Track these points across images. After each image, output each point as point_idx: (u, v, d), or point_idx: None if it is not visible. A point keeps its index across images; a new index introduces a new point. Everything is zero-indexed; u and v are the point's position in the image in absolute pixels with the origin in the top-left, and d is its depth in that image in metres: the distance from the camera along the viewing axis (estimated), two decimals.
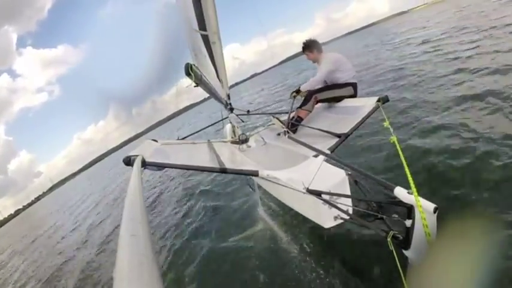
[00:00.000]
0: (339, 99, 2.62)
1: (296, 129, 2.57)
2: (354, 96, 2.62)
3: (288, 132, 2.50)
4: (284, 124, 2.61)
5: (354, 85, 2.62)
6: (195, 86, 2.76)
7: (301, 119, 2.59)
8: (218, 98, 3.21)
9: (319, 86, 2.67)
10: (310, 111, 2.62)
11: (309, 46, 2.73)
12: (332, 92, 2.61)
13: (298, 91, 2.73)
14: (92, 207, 9.76)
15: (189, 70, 2.48)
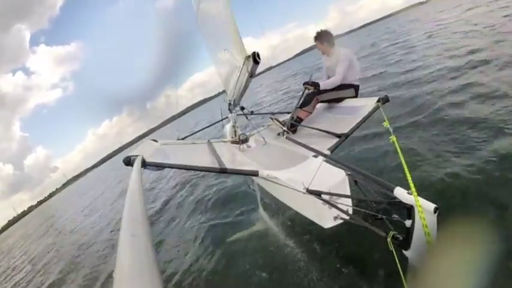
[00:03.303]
0: (339, 100, 2.62)
1: (296, 129, 2.56)
2: (354, 97, 2.62)
3: (287, 133, 2.49)
4: (282, 124, 2.59)
5: (356, 87, 2.62)
6: (250, 77, 2.48)
7: (301, 120, 2.59)
8: (242, 94, 3.00)
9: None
10: (311, 113, 2.60)
11: (319, 37, 2.66)
12: (334, 94, 2.60)
13: (315, 85, 2.55)
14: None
15: (257, 57, 2.29)
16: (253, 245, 2.58)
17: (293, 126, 2.54)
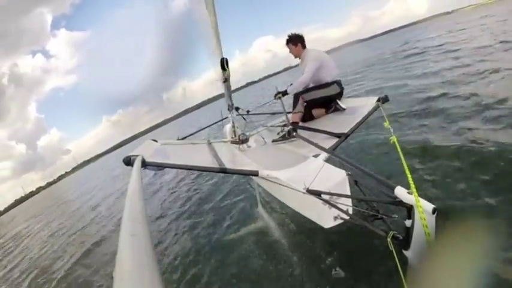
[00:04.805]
0: (327, 99, 2.59)
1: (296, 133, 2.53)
2: (341, 93, 2.60)
3: (288, 132, 2.47)
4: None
5: (338, 82, 2.60)
6: (224, 82, 2.61)
7: (297, 123, 2.56)
8: (230, 97, 3.16)
9: (307, 86, 2.63)
10: (302, 112, 2.58)
11: (293, 39, 2.66)
12: (318, 92, 2.58)
13: (284, 93, 2.64)
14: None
15: (225, 64, 2.41)
16: (252, 245, 2.58)
17: (293, 131, 2.52)
